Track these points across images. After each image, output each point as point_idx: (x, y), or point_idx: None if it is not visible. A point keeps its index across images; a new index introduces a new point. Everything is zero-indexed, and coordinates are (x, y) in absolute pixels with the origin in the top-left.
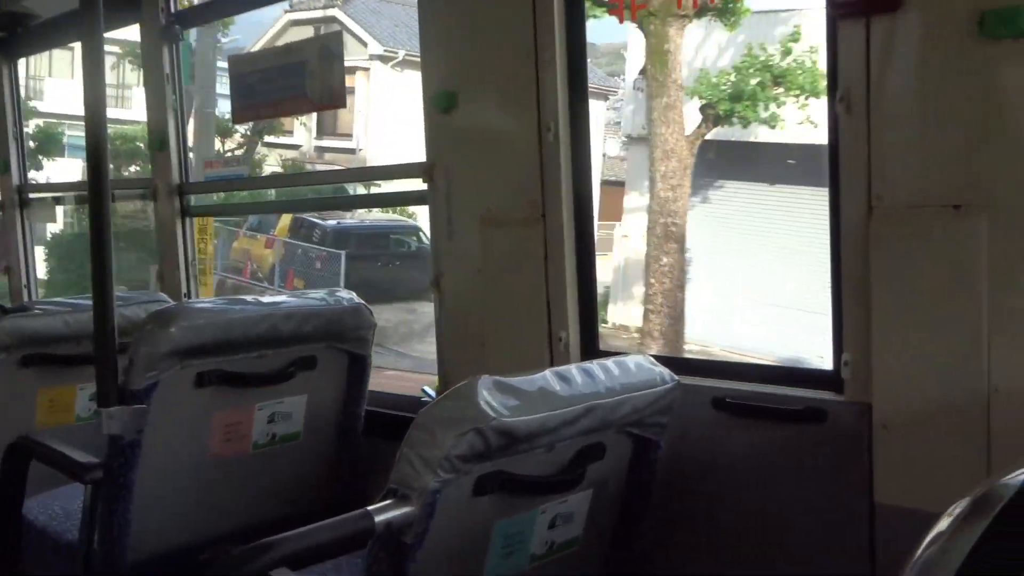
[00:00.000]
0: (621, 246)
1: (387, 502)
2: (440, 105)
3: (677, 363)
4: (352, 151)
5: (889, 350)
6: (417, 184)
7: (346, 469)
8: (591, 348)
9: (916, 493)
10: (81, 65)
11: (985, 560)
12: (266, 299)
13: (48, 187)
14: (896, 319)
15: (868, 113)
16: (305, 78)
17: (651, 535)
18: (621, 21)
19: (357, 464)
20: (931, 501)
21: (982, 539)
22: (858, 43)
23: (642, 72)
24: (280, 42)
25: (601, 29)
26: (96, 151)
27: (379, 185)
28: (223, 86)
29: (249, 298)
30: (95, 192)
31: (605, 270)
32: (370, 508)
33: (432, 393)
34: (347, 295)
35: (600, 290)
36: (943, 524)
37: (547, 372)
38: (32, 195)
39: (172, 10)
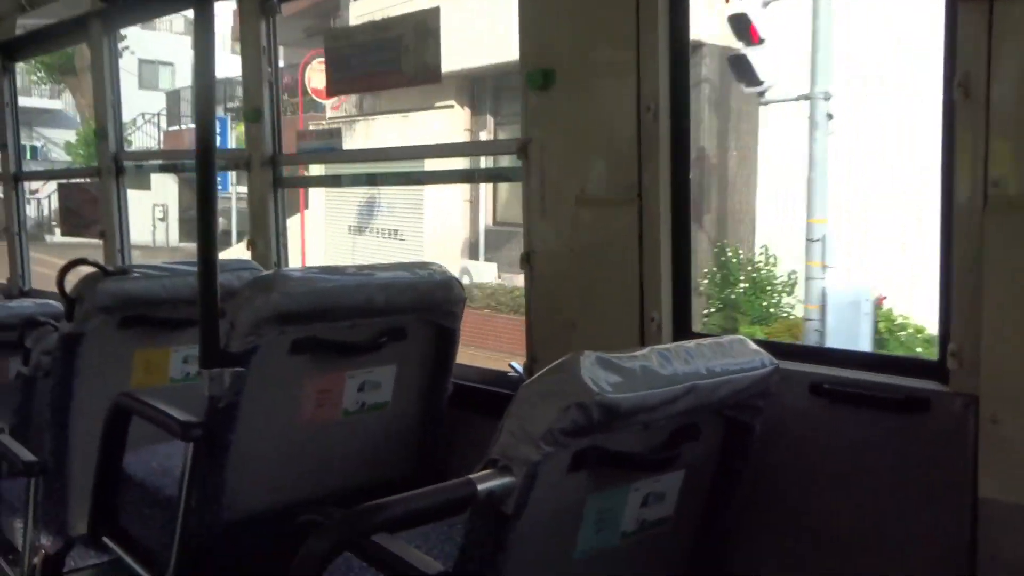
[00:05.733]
0: None
1: (488, 471)
2: (536, 83)
3: (774, 347)
4: None
5: (1001, 342)
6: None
7: (430, 439)
8: (684, 330)
9: None
10: (192, 36)
11: None
12: (360, 270)
13: (143, 155)
14: (1010, 310)
15: (988, 99)
16: (400, 53)
17: (741, 519)
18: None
19: (441, 435)
20: None
21: None
22: (980, 26)
23: None
24: None
25: None
26: (204, 120)
27: None
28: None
29: (345, 267)
30: (203, 159)
31: None
32: (472, 476)
33: (519, 369)
34: (439, 267)
35: None
36: None
37: (648, 350)
38: (127, 162)
39: None
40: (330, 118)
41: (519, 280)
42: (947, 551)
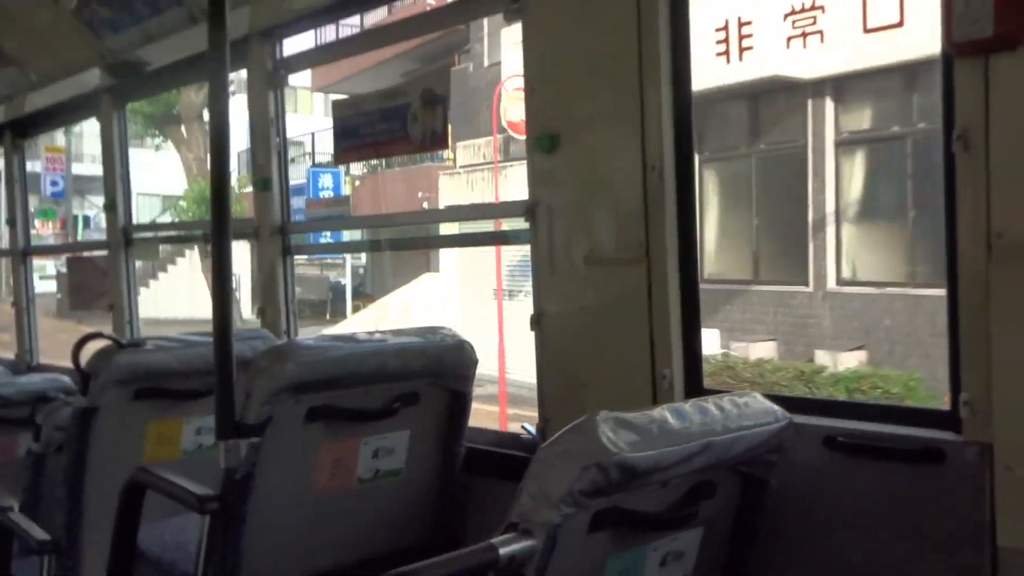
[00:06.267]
0: None
1: (509, 535)
2: (545, 146)
3: (787, 401)
4: None
5: (1012, 390)
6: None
7: (444, 505)
8: (695, 387)
9: None
10: (208, 105)
11: None
12: (372, 336)
13: (152, 227)
14: (1019, 358)
15: (987, 152)
16: (407, 120)
17: (759, 574)
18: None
19: (455, 499)
20: None
21: None
22: (976, 82)
23: None
24: None
25: None
26: (220, 189)
27: None
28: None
29: (356, 334)
30: (218, 229)
31: None
32: (494, 541)
33: (532, 430)
34: (449, 332)
35: None
36: None
37: (663, 408)
38: (136, 235)
39: (278, 56)
40: (464, 165)
41: (757, 349)
42: None
